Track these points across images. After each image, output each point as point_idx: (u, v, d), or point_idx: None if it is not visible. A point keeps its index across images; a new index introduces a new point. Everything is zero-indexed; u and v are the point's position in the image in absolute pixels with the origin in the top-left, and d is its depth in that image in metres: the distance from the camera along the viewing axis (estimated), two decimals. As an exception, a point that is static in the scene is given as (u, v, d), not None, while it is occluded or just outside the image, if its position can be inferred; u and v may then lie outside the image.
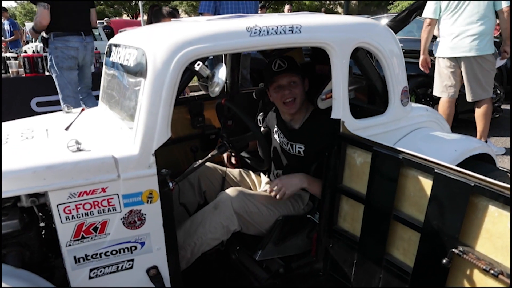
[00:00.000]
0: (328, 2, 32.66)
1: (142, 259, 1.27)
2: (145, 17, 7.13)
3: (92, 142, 1.21)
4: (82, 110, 1.71)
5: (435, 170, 1.11)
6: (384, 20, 8.85)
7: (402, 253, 1.29)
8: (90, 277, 1.22)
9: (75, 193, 1.12)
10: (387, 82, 1.58)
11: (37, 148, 1.23)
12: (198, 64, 1.13)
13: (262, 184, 1.88)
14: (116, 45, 1.50)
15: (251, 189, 1.85)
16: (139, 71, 1.17)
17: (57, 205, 1.11)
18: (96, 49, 5.29)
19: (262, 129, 1.96)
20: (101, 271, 1.23)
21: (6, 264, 1.12)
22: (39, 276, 1.15)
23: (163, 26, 1.37)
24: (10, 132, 1.41)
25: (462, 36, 3.21)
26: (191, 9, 33.94)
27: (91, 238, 1.18)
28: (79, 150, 1.14)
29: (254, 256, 1.59)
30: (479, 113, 3.47)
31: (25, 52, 8.22)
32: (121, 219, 1.19)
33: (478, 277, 1.07)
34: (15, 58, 4.13)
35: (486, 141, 3.55)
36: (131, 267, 1.27)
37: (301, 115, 1.71)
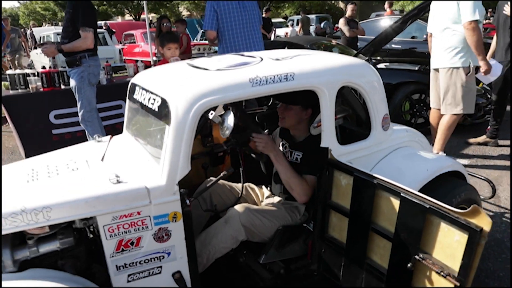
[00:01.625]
0: (329, -2, 32.72)
1: (168, 266, 1.57)
2: (149, 16, 7.35)
3: (127, 173, 1.51)
4: (111, 138, 2.00)
5: (401, 194, 1.40)
6: (386, 20, 9.01)
7: (379, 258, 1.58)
8: (128, 281, 1.53)
9: (117, 216, 1.42)
10: (369, 112, 1.86)
11: (84, 179, 1.53)
12: (212, 114, 1.42)
13: (264, 196, 2.18)
14: (139, 86, 1.79)
15: (255, 201, 2.15)
16: (163, 117, 1.47)
17: (103, 226, 1.41)
18: (107, 61, 5.60)
19: None
20: (136, 276, 1.54)
21: (65, 272, 1.43)
22: (89, 281, 1.46)
23: (181, 75, 1.66)
24: (57, 163, 1.71)
25: (439, 48, 3.41)
26: (193, 7, 34.11)
27: (129, 251, 1.48)
28: (118, 182, 1.44)
29: (258, 259, 1.89)
30: (441, 123, 3.55)
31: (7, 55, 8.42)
32: (152, 235, 1.49)
33: (434, 278, 1.36)
34: (34, 74, 4.43)
35: (439, 153, 3.60)
36: (160, 272, 1.57)
37: (302, 133, 2.01)
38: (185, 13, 40.58)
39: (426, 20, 7.64)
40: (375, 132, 1.88)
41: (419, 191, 1.77)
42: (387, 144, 1.97)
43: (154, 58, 7.32)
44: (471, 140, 4.43)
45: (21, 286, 1.27)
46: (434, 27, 3.52)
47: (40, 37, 11.30)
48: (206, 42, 13.38)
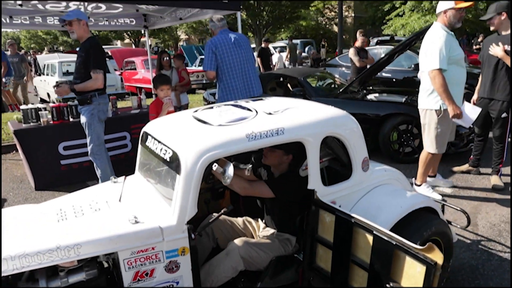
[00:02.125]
0: (324, 22, 33.69)
1: (177, 293, 1.82)
2: (149, 42, 7.77)
3: (143, 214, 1.77)
4: (125, 178, 2.28)
5: (373, 232, 1.68)
6: (380, 49, 9.35)
7: (359, 285, 1.83)
8: (142, 307, 1.78)
9: (135, 251, 1.68)
10: (350, 156, 2.15)
11: (107, 219, 1.80)
12: (215, 166, 1.71)
13: (260, 228, 2.45)
14: (151, 136, 2.08)
15: (252, 234, 2.42)
16: (174, 167, 1.75)
17: (123, 260, 1.67)
18: (113, 95, 5.94)
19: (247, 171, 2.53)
20: (149, 303, 1.79)
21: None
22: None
23: (189, 129, 1.95)
24: (81, 204, 1.97)
25: (420, 88, 3.69)
26: (191, 31, 34.93)
27: (144, 281, 1.74)
28: (136, 222, 1.71)
29: (255, 286, 2.14)
30: (420, 158, 3.82)
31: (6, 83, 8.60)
32: (163, 267, 1.75)
33: (401, 303, 1.62)
34: (45, 109, 4.73)
35: (421, 184, 3.83)
36: (169, 299, 1.82)
37: (279, 172, 2.28)
38: (183, 36, 41.49)
39: (414, 51, 8.08)
40: (355, 173, 2.17)
41: (395, 225, 2.06)
42: (368, 183, 2.26)
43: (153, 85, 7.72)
44: (455, 169, 4.71)
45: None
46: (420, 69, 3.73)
47: (45, 65, 11.66)
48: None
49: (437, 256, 1.46)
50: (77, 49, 4.50)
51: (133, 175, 2.33)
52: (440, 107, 3.47)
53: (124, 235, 1.65)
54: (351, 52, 7.15)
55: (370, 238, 1.72)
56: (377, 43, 15.02)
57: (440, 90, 3.36)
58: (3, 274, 1.54)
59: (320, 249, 2.01)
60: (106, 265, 1.84)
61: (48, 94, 10.90)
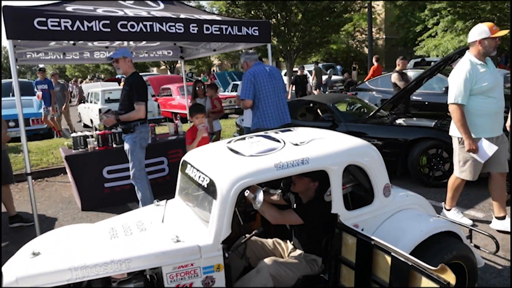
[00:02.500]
0: (355, 45, 33.86)
1: (212, 306, 2.03)
2: (184, 69, 8.29)
3: (183, 234, 2.01)
4: (166, 202, 2.54)
5: (391, 253, 1.83)
6: (410, 73, 9.41)
7: (380, 304, 1.97)
8: (182, 318, 1.99)
9: (176, 266, 1.91)
10: (371, 183, 2.32)
11: (152, 238, 2.05)
12: (247, 192, 1.94)
13: (288, 249, 2.63)
14: (190, 164, 2.34)
15: (281, 254, 2.60)
16: (211, 193, 1.99)
17: (166, 274, 1.91)
18: (151, 122, 6.35)
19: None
20: (188, 314, 2.00)
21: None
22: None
23: (224, 159, 2.20)
24: (130, 224, 2.25)
25: None
26: (224, 56, 36.10)
27: (183, 294, 1.96)
28: (178, 241, 1.95)
29: (283, 304, 2.31)
30: (449, 182, 3.86)
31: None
32: (201, 281, 1.97)
33: (419, 321, 1.74)
34: (92, 136, 5.18)
35: (449, 209, 3.86)
36: (205, 311, 2.03)
37: (306, 197, 2.46)
38: (216, 62, 42.91)
39: (445, 74, 8.07)
40: (377, 199, 2.33)
41: (416, 248, 2.18)
42: (389, 208, 2.40)
43: (188, 111, 8.17)
44: None
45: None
46: None
47: (88, 93, 12.50)
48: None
49: (450, 277, 1.59)
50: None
51: (173, 199, 2.59)
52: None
53: (167, 252, 1.89)
54: (395, 77, 7.15)
55: (388, 259, 1.86)
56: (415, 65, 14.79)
57: (458, 124, 3.47)
58: (67, 283, 1.81)
59: (343, 269, 2.16)
60: (149, 279, 2.07)
61: (91, 120, 11.63)
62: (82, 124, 13.33)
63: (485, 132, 3.50)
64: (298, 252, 2.54)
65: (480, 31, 3.44)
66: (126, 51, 4.30)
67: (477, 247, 2.87)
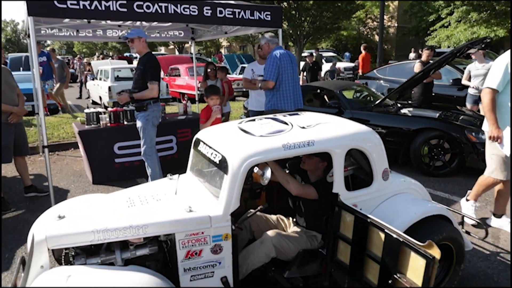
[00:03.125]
0: (366, 32, 33.46)
1: (219, 272, 2.22)
2: (191, 49, 8.37)
3: (195, 205, 2.19)
4: (178, 176, 2.72)
5: (385, 230, 2.00)
6: (418, 65, 9.45)
7: (372, 276, 2.14)
8: (190, 280, 2.18)
9: (188, 234, 2.10)
10: (371, 167, 2.47)
11: (166, 208, 2.23)
12: (256, 169, 2.10)
13: (291, 225, 2.81)
14: (203, 142, 2.51)
15: (284, 229, 2.78)
16: (222, 168, 2.16)
17: (179, 240, 2.09)
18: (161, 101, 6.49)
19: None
20: (196, 277, 2.19)
21: (150, 269, 2.11)
22: (163, 276, 2.12)
23: (235, 138, 2.36)
24: (145, 195, 2.43)
25: None
26: (232, 38, 35.85)
27: (193, 259, 2.15)
28: (191, 211, 2.13)
29: (283, 274, 2.50)
30: (480, 177, 3.72)
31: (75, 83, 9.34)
32: (210, 248, 2.15)
33: (406, 291, 1.92)
34: (104, 113, 5.35)
35: (470, 200, 3.78)
36: (212, 276, 2.22)
37: (315, 177, 2.63)
38: (224, 43, 42.66)
39: (453, 66, 8.04)
40: (376, 182, 2.49)
41: (409, 228, 2.35)
42: (387, 191, 2.57)
43: (198, 92, 8.30)
44: None
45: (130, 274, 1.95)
46: None
47: (98, 70, 12.63)
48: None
49: (435, 252, 1.76)
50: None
51: (185, 174, 2.77)
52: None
53: (181, 220, 2.07)
54: (417, 67, 7.02)
55: (382, 235, 2.03)
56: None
57: (486, 108, 3.33)
58: (90, 243, 2.00)
59: (341, 245, 2.34)
60: (163, 244, 2.26)
61: (100, 97, 11.80)
62: (91, 101, 13.51)
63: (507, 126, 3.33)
64: (299, 228, 2.72)
65: None
66: (141, 32, 4.42)
67: (467, 232, 3.04)
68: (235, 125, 2.58)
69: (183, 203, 2.20)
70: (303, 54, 18.36)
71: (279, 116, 2.76)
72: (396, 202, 2.53)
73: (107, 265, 2.08)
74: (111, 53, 37.59)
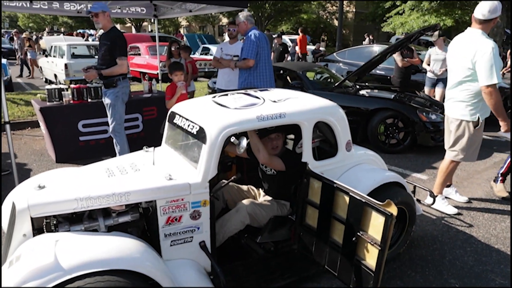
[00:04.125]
0: (325, 16, 34.01)
1: (197, 237, 2.36)
2: (150, 28, 8.21)
3: (174, 173, 2.31)
4: (154, 149, 2.79)
5: (350, 193, 2.23)
6: (376, 48, 9.84)
7: (337, 236, 2.38)
8: (171, 245, 2.31)
9: (169, 200, 2.21)
10: (336, 138, 2.70)
11: (146, 176, 2.33)
12: (232, 138, 2.25)
13: (260, 195, 3.00)
14: (179, 115, 2.60)
15: (255, 198, 2.97)
16: (200, 138, 2.28)
17: (160, 207, 2.21)
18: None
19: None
20: (176, 242, 2.32)
21: (131, 235, 2.21)
22: (143, 240, 2.24)
23: (211, 110, 2.47)
24: (124, 165, 2.50)
25: (452, 97, 3.56)
26: (192, 18, 35.06)
27: (173, 224, 2.27)
28: (171, 179, 2.24)
29: (256, 239, 2.69)
30: (440, 167, 3.74)
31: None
32: (189, 214, 2.29)
33: (368, 246, 2.17)
34: (67, 89, 5.21)
35: (435, 197, 3.52)
36: (191, 241, 2.36)
37: (279, 151, 2.81)
38: (184, 23, 41.64)
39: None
40: (340, 153, 2.72)
41: (369, 194, 2.61)
42: (350, 161, 2.81)
43: (159, 71, 8.21)
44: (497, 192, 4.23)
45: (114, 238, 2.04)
46: (450, 77, 3.57)
47: (51, 46, 12.01)
48: (206, 57, 14.27)
49: (393, 209, 2.01)
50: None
51: (160, 146, 2.85)
52: (479, 119, 3.41)
53: (162, 188, 2.18)
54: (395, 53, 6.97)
55: (347, 198, 2.26)
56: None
57: (496, 106, 3.23)
58: (73, 211, 2.07)
59: (309, 210, 2.56)
60: (144, 211, 2.36)
61: (55, 75, 11.27)
62: (44, 79, 12.86)
63: (486, 113, 3.46)
64: (269, 198, 2.91)
65: (496, 9, 3.25)
66: (105, 6, 4.34)
67: (418, 200, 3.39)
68: (209, 99, 2.69)
69: (162, 172, 2.30)
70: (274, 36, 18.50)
71: (251, 91, 2.90)
72: (357, 171, 2.78)
73: (90, 231, 2.16)
74: (62, 29, 35.47)
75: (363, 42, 22.28)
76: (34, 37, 16.93)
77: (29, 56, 14.27)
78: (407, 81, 7.30)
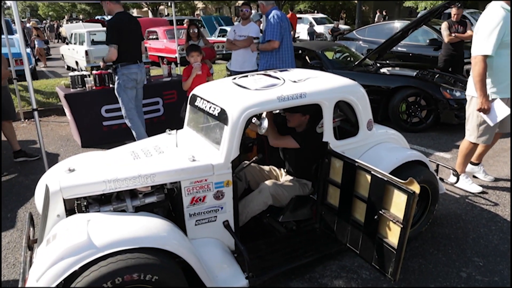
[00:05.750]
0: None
1: (221, 216, 2.42)
2: (167, 12, 8.21)
3: (198, 155, 2.36)
4: (176, 131, 2.85)
5: (371, 172, 2.23)
6: (397, 24, 9.59)
7: (359, 215, 2.40)
8: (195, 224, 2.38)
9: (193, 181, 2.27)
10: (357, 118, 2.68)
11: (170, 158, 2.39)
12: (254, 119, 2.27)
13: (282, 175, 3.03)
14: (200, 97, 2.64)
15: (277, 178, 3.00)
16: (222, 120, 2.31)
17: (184, 187, 2.27)
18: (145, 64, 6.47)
19: None
20: (200, 222, 2.39)
21: (158, 215, 2.29)
22: (169, 220, 2.31)
23: (232, 92, 2.49)
24: (148, 148, 2.57)
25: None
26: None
27: (198, 204, 2.34)
28: (194, 160, 2.29)
29: (278, 219, 2.74)
30: (460, 147, 3.63)
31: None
32: (212, 195, 2.34)
33: (390, 224, 2.18)
34: (89, 76, 5.32)
35: (458, 175, 3.43)
36: (215, 220, 2.42)
37: (301, 128, 2.83)
38: (200, 5, 41.29)
39: (430, 26, 8.18)
40: (361, 132, 2.71)
41: (391, 172, 2.60)
42: (371, 140, 2.80)
43: (177, 55, 8.25)
44: None
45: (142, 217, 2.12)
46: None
47: (72, 34, 12.19)
48: (224, 39, 14.20)
49: (416, 187, 2.01)
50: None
51: (182, 129, 2.90)
52: (489, 96, 3.22)
53: (186, 169, 2.24)
54: (443, 27, 6.44)
55: (368, 177, 2.27)
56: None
57: (477, 79, 3.13)
58: (102, 193, 2.15)
59: (330, 189, 2.58)
60: (169, 192, 2.43)
61: (77, 62, 11.47)
62: (66, 67, 13.12)
63: (506, 91, 3.23)
64: (290, 177, 2.94)
65: None
66: None
67: (441, 179, 3.35)
68: (229, 81, 2.71)
69: (185, 153, 2.36)
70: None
71: (270, 72, 2.90)
72: (379, 149, 2.77)
73: (119, 212, 2.25)
74: (81, 16, 35.85)
75: (375, 20, 21.66)
76: (55, 25, 17.15)
77: (36, 45, 14.29)
78: (455, 60, 6.55)
